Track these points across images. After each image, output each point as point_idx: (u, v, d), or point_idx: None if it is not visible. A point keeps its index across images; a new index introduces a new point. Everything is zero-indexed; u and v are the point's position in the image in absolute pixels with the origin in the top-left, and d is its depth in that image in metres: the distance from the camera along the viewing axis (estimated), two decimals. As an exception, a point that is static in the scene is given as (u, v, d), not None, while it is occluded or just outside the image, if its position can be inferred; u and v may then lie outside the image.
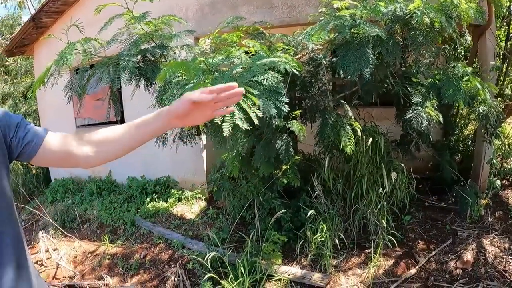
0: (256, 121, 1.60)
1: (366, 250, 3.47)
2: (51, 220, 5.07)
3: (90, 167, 1.14)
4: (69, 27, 2.54)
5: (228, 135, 1.64)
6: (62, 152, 1.07)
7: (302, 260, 3.49)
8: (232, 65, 2.11)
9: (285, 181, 3.43)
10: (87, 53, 2.41)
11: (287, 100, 1.97)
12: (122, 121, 6.02)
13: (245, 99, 1.63)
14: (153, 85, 2.60)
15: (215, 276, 3.08)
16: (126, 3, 2.48)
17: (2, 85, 9.89)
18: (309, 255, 3.41)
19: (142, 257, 4.03)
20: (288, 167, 3.29)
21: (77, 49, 2.58)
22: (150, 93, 2.87)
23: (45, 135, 1.05)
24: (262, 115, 1.69)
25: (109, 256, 4.17)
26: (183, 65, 1.81)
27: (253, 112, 1.60)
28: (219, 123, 1.59)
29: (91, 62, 5.43)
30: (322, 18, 2.90)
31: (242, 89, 1.08)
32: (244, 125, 1.62)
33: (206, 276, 3.11)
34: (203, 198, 5.13)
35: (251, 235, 3.33)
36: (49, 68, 2.56)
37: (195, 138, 3.36)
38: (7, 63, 9.18)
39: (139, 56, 2.37)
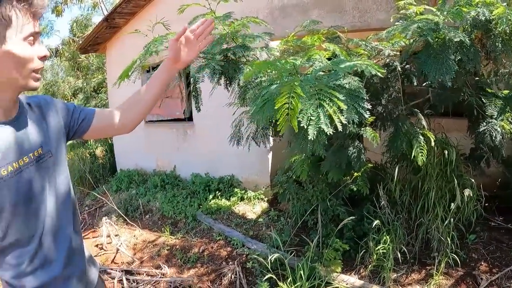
0: (340, 127, 1.60)
1: (427, 267, 3.32)
2: (115, 207, 5.35)
3: (130, 131, 1.41)
4: (154, 25, 2.67)
5: (313, 138, 1.63)
6: (106, 125, 1.34)
7: (361, 270, 3.40)
8: (311, 68, 2.11)
9: (355, 188, 3.37)
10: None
11: (369, 106, 1.94)
12: (190, 119, 6.25)
13: (331, 104, 1.63)
14: (232, 84, 2.66)
15: (274, 277, 3.09)
16: (209, 4, 2.57)
17: (75, 80, 10.63)
18: (369, 266, 3.32)
19: (200, 251, 4.13)
20: (360, 174, 3.23)
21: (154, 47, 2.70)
22: (229, 92, 2.94)
23: (94, 113, 1.31)
24: (346, 121, 1.68)
25: (168, 247, 4.32)
26: (271, 65, 1.83)
27: (338, 118, 1.60)
28: (305, 126, 1.60)
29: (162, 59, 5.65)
30: (398, 22, 2.83)
31: (212, 19, 1.38)
32: (329, 130, 1.61)
33: (266, 277, 3.13)
34: (265, 199, 5.19)
35: (314, 240, 3.30)
36: (134, 62, 2.70)
37: (268, 139, 3.40)
38: (80, 59, 9.81)
39: (221, 55, 2.44)
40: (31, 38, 1.03)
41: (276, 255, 3.17)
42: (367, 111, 1.96)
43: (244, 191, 5.29)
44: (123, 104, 1.38)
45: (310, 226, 3.95)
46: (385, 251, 3.21)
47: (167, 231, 4.65)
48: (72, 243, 1.23)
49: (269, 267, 3.14)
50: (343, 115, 1.68)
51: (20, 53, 1.00)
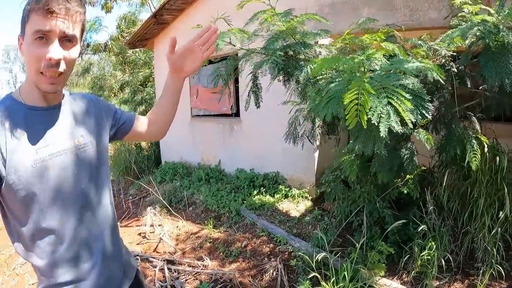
0: (411, 125, 1.63)
1: (471, 277, 3.21)
2: (160, 198, 5.50)
3: (160, 139, 1.63)
4: (216, 20, 2.73)
5: (384, 135, 1.63)
6: (142, 132, 1.44)
7: (403, 276, 3.34)
8: (369, 67, 2.09)
9: (405, 191, 3.30)
10: (240, 40, 2.57)
11: (431, 106, 1.91)
12: (237, 114, 6.35)
13: (399, 102, 1.62)
14: (290, 81, 2.68)
15: (318, 276, 3.09)
16: (269, 0, 2.60)
17: (122, 75, 11.02)
18: (412, 271, 3.25)
19: (243, 246, 4.19)
20: (412, 177, 3.17)
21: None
22: (285, 89, 2.97)
23: (134, 118, 1.42)
24: (415, 120, 1.67)
25: (211, 240, 4.40)
26: (338, 61, 1.84)
27: (407, 116, 1.61)
28: (376, 123, 1.59)
29: (225, 54, 5.81)
30: (455, 22, 2.75)
31: (215, 27, 1.34)
32: (399, 128, 1.61)
33: (310, 275, 3.13)
34: (310, 198, 5.19)
35: (360, 242, 3.27)
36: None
37: (325, 138, 3.40)
38: (128, 54, 10.15)
39: (282, 52, 2.46)
40: (41, 36, 0.99)
41: (322, 254, 3.17)
42: (429, 112, 1.94)
43: (288, 188, 5.32)
44: (151, 116, 1.48)
45: (354, 227, 3.92)
46: (429, 257, 3.14)
47: (210, 224, 4.75)
48: (110, 233, 1.24)
49: (313, 265, 3.15)
50: (412, 114, 1.68)
51: (26, 50, 1.03)
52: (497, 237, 3.16)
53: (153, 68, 10.19)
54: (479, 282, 3.01)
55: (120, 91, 11.12)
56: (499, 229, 3.16)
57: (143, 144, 9.46)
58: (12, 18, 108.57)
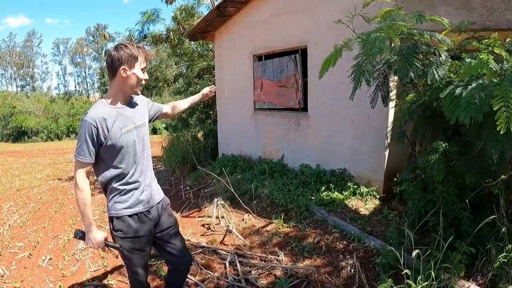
0: None
1: None
2: (230, 188, 5.47)
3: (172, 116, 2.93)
4: (353, 16, 2.76)
5: None
6: (166, 113, 2.70)
7: (478, 278, 3.21)
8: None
9: (495, 192, 3.16)
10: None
11: None
12: (304, 109, 6.30)
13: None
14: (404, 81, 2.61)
15: (407, 272, 3.00)
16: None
17: (178, 66, 11.22)
18: (488, 274, 3.12)
19: (315, 241, 4.15)
20: (505, 177, 3.01)
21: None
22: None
23: (162, 109, 2.65)
24: None
25: (281, 235, 4.39)
26: (482, 67, 1.80)
27: None
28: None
29: (291, 47, 5.75)
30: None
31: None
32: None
33: (390, 273, 3.07)
34: (378, 196, 5.07)
35: (438, 242, 3.19)
36: (337, 52, 2.77)
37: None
38: (185, 46, 10.28)
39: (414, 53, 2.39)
40: (144, 69, 2.16)
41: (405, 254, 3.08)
42: None
43: (356, 186, 5.21)
44: (175, 106, 2.79)
45: (428, 228, 3.79)
46: (506, 260, 3.03)
47: (280, 218, 4.74)
48: (152, 175, 2.41)
49: (398, 264, 3.07)
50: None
51: (139, 75, 2.13)
52: None
53: (210, 60, 10.31)
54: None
55: (173, 83, 11.32)
56: None
57: (199, 135, 9.61)
58: (60, 13, 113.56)
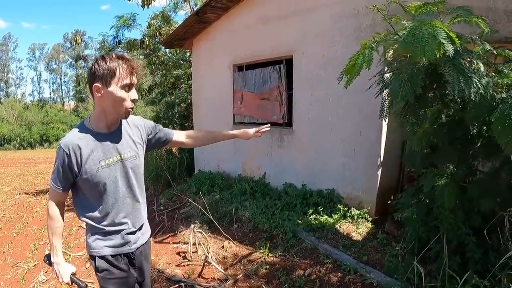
0: None
1: None
2: (210, 215, 4.88)
3: (188, 147, 3.32)
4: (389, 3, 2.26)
5: None
6: (179, 142, 2.19)
7: None
8: None
9: None
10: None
11: None
12: (288, 124, 5.81)
13: None
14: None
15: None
16: None
17: (153, 76, 10.63)
18: None
19: (306, 274, 3.65)
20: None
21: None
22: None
23: (173, 136, 2.13)
24: None
25: (267, 266, 3.87)
26: None
27: None
28: None
29: (275, 57, 5.35)
30: None
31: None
32: None
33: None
34: (370, 219, 4.63)
35: (446, 271, 2.93)
36: (371, 47, 2.23)
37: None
38: (160, 54, 9.73)
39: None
40: (127, 87, 1.69)
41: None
42: None
43: (346, 208, 4.76)
44: (193, 135, 2.23)
45: (429, 255, 3.43)
46: None
47: (265, 246, 4.21)
48: (145, 215, 2.03)
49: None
50: None
51: (118, 94, 1.67)
52: None
53: (186, 68, 9.76)
54: None
55: (148, 93, 10.70)
56: None
57: (174, 149, 8.99)
58: (37, 18, 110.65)
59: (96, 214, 1.82)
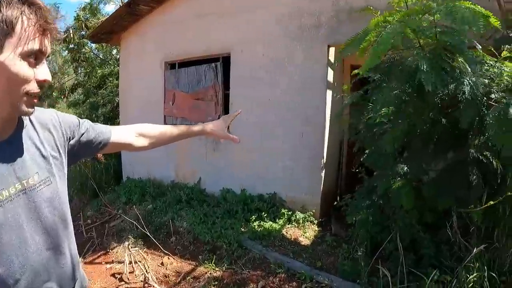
0: None
1: None
2: (145, 229, 4.43)
3: (141, 151, 1.48)
4: None
5: None
6: (123, 144, 1.36)
7: None
8: None
9: (476, 218, 2.76)
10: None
11: None
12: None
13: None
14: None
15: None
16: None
17: (76, 74, 9.68)
18: None
19: (260, 287, 3.37)
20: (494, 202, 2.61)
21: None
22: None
23: (111, 136, 1.28)
24: None
25: (216, 282, 3.50)
26: None
27: None
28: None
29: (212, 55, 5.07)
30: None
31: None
32: None
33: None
34: (315, 221, 4.52)
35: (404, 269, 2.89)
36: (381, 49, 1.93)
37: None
38: (85, 50, 8.91)
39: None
40: (33, 56, 0.89)
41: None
42: None
43: (290, 212, 4.57)
44: (146, 131, 1.44)
45: (383, 254, 3.45)
46: (475, 279, 2.76)
47: (210, 260, 3.85)
48: (75, 264, 1.17)
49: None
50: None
51: (13, 69, 0.86)
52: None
53: (113, 66, 8.98)
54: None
55: (71, 93, 9.73)
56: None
57: (99, 155, 8.19)
58: None
59: None
